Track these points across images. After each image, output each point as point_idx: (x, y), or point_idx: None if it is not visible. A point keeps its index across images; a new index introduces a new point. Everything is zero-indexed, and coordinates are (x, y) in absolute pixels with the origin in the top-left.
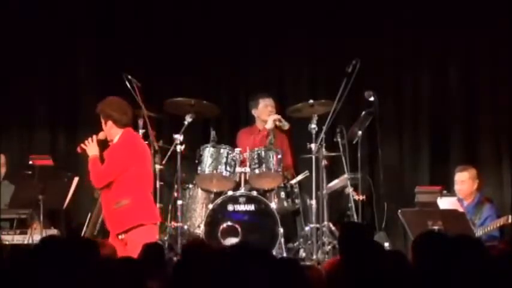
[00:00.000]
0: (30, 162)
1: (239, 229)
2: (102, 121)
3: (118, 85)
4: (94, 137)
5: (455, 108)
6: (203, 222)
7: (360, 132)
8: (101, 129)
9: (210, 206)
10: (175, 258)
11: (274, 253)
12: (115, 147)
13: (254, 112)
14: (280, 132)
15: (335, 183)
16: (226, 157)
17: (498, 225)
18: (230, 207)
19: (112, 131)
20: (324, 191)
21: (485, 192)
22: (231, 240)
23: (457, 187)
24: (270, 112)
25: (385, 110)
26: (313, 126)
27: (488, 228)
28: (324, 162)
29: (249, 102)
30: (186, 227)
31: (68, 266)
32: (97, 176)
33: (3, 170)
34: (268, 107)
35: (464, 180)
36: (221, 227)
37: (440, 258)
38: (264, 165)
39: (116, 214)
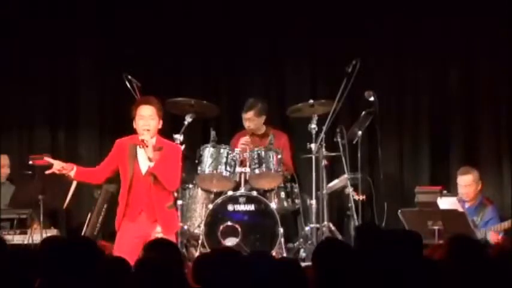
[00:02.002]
0: (30, 162)
1: (239, 229)
2: (157, 117)
3: (118, 85)
4: (148, 140)
5: (455, 108)
6: (203, 222)
7: (360, 132)
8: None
9: (210, 206)
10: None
11: (274, 253)
12: (173, 147)
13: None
14: (280, 132)
15: (335, 183)
16: (226, 157)
17: (504, 228)
18: (230, 207)
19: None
20: (324, 191)
21: (485, 192)
22: (231, 240)
23: (461, 191)
24: (247, 127)
25: (385, 110)
26: (313, 126)
27: (494, 229)
28: (324, 162)
29: None
30: (186, 227)
31: (69, 266)
32: (176, 179)
33: (7, 171)
34: (246, 122)
35: (469, 184)
36: (221, 227)
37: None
38: (264, 165)
39: (169, 215)
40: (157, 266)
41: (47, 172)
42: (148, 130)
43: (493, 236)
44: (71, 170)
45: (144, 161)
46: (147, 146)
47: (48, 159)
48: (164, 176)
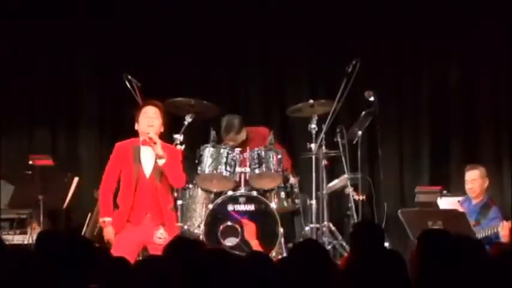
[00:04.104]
0: (30, 162)
1: (239, 229)
2: (161, 119)
3: (118, 85)
4: (156, 137)
5: (455, 108)
6: (203, 222)
7: (360, 132)
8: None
9: (210, 206)
10: None
11: (274, 253)
12: (174, 150)
13: None
14: (261, 128)
15: (335, 183)
16: (226, 157)
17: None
18: (230, 207)
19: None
20: (324, 191)
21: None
22: (231, 240)
23: (467, 186)
24: (231, 146)
25: (385, 110)
26: (313, 126)
27: (495, 230)
28: (324, 162)
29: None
30: (186, 227)
31: (68, 266)
32: (182, 176)
33: None
34: (229, 142)
35: (475, 178)
36: (221, 227)
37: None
38: (264, 165)
39: (172, 216)
40: (157, 266)
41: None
42: (152, 126)
43: (505, 227)
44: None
45: (148, 163)
46: (155, 143)
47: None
48: (173, 173)
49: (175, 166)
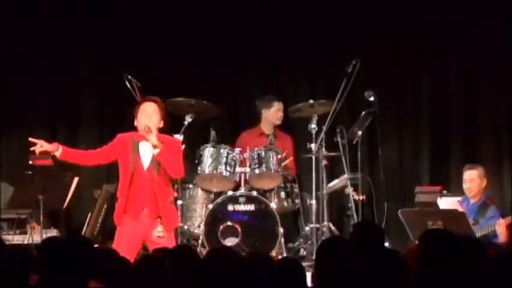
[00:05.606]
0: (30, 162)
1: (239, 229)
2: (159, 115)
3: (118, 85)
4: (153, 127)
5: (455, 108)
6: (203, 222)
7: (360, 132)
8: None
9: (210, 206)
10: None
11: (274, 253)
12: (173, 141)
13: (264, 112)
14: (284, 134)
15: (335, 183)
16: (226, 157)
17: (507, 222)
18: (230, 207)
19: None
20: (324, 191)
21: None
22: (231, 240)
23: (465, 186)
24: (280, 117)
25: (385, 110)
26: (313, 126)
27: (492, 228)
28: (324, 162)
29: (259, 101)
30: (186, 227)
31: (69, 266)
32: (180, 167)
33: None
34: (279, 112)
35: (473, 178)
36: (221, 227)
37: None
38: (264, 165)
39: (170, 210)
40: (157, 264)
41: (31, 149)
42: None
43: (501, 224)
44: (56, 150)
45: (147, 156)
46: (151, 132)
47: (32, 140)
48: (169, 163)
49: (173, 156)
